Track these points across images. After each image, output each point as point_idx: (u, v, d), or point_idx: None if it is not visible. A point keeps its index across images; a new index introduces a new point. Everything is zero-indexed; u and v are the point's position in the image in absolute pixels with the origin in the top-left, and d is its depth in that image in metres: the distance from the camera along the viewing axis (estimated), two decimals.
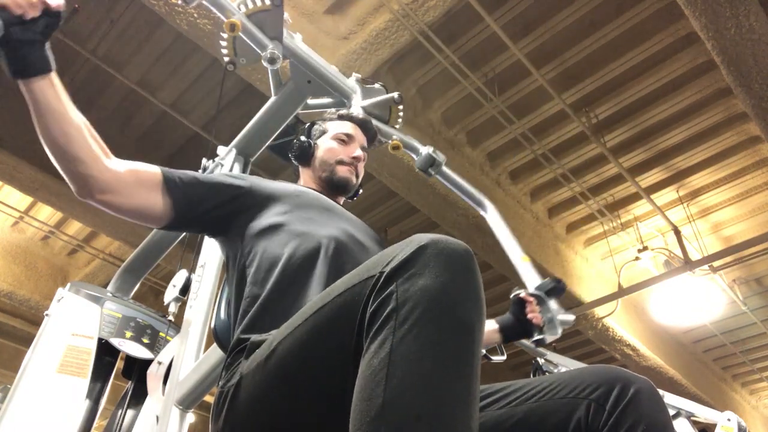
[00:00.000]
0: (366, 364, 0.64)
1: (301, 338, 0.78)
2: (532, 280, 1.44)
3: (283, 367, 0.79)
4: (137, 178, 1.06)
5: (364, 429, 0.60)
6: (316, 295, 0.96)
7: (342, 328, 0.72)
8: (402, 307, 0.64)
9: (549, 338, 1.35)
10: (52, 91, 0.96)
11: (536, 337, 1.33)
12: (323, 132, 1.39)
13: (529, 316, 1.32)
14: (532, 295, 1.35)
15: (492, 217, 1.66)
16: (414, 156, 1.67)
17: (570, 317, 1.35)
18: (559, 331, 1.33)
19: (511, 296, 1.36)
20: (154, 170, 1.10)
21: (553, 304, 1.35)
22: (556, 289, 1.37)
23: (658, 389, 0.90)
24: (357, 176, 1.36)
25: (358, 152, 1.35)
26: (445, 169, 1.67)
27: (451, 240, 0.70)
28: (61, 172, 0.98)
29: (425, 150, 1.64)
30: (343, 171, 1.33)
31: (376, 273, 0.69)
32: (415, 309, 0.63)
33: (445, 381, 0.61)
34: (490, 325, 1.34)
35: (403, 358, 0.61)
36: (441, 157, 1.65)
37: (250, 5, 1.43)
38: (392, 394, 0.60)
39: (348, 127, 1.39)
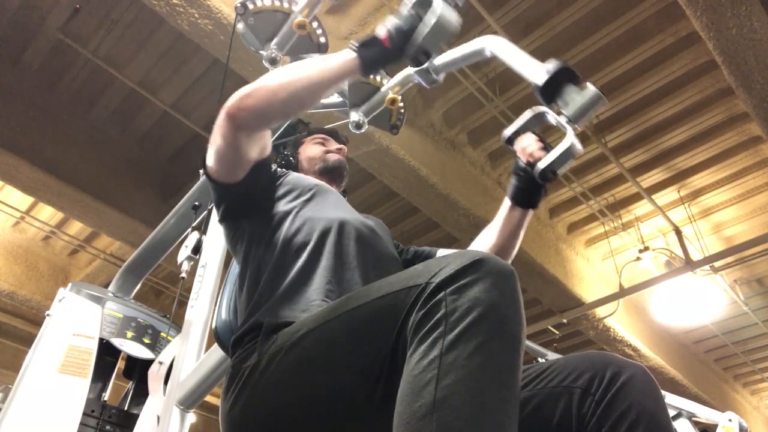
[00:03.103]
0: (414, 364, 0.65)
1: (333, 333, 0.79)
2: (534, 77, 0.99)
3: (310, 358, 0.80)
4: (265, 143, 1.14)
5: (413, 425, 0.61)
6: (335, 278, 1.00)
7: (380, 331, 0.73)
8: (451, 315, 0.66)
9: (564, 152, 0.93)
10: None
11: (542, 167, 0.96)
12: (300, 144, 1.46)
13: (523, 155, 1.06)
14: (522, 128, 1.00)
15: (495, 47, 1.25)
16: (417, 82, 1.56)
17: (588, 93, 0.92)
18: (570, 138, 0.93)
19: (503, 141, 1.04)
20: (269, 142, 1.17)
21: (561, 100, 0.93)
22: (553, 82, 0.94)
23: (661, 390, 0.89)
24: (345, 164, 1.44)
25: (339, 144, 1.44)
26: (438, 62, 1.34)
27: (499, 259, 0.72)
28: (258, 102, 1.01)
29: (413, 70, 1.52)
30: (333, 156, 1.40)
31: (422, 282, 0.71)
32: (464, 317, 0.65)
33: (494, 388, 0.63)
34: (503, 207, 1.15)
35: (453, 362, 0.63)
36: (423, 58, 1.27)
37: (317, 28, 1.46)
38: (443, 393, 0.61)
39: (321, 136, 1.47)
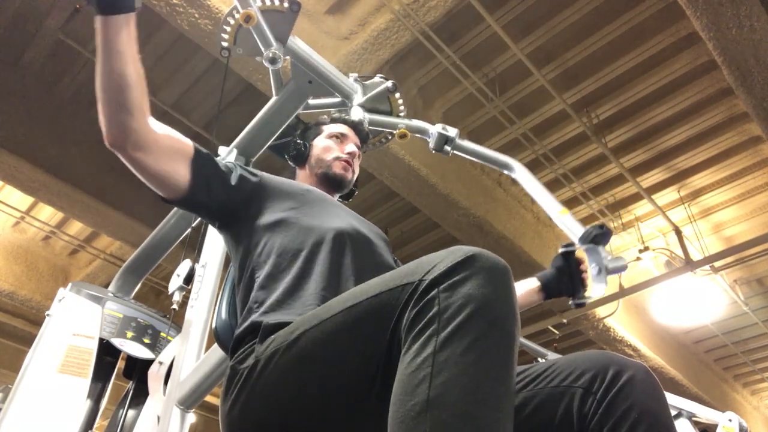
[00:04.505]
0: (407, 363, 0.65)
1: (329, 332, 0.79)
2: (576, 232, 1.29)
3: (307, 357, 0.80)
4: (171, 145, 1.06)
5: (407, 424, 0.61)
6: (330, 285, 1.00)
7: (375, 329, 0.73)
8: (444, 312, 0.65)
9: (595, 295, 1.19)
10: (126, 32, 0.94)
11: (579, 298, 1.21)
12: (318, 133, 1.44)
13: (585, 274, 1.22)
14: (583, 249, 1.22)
15: (522, 176, 1.56)
16: (426, 138, 1.64)
17: (620, 262, 1.19)
18: (605, 286, 1.17)
19: (561, 250, 1.24)
20: (186, 141, 1.10)
21: (598, 253, 1.20)
22: (601, 235, 1.22)
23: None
24: (352, 172, 1.40)
25: (353, 148, 1.40)
26: (460, 141, 1.61)
27: (492, 255, 0.71)
28: (104, 119, 0.97)
29: (435, 129, 1.61)
30: (338, 167, 1.37)
31: (416, 280, 0.70)
32: (457, 314, 0.65)
33: (488, 385, 0.62)
34: (530, 284, 1.25)
35: (446, 360, 0.62)
36: (452, 131, 1.60)
37: (267, 2, 1.42)
38: (437, 391, 0.61)
39: (341, 128, 1.44)
